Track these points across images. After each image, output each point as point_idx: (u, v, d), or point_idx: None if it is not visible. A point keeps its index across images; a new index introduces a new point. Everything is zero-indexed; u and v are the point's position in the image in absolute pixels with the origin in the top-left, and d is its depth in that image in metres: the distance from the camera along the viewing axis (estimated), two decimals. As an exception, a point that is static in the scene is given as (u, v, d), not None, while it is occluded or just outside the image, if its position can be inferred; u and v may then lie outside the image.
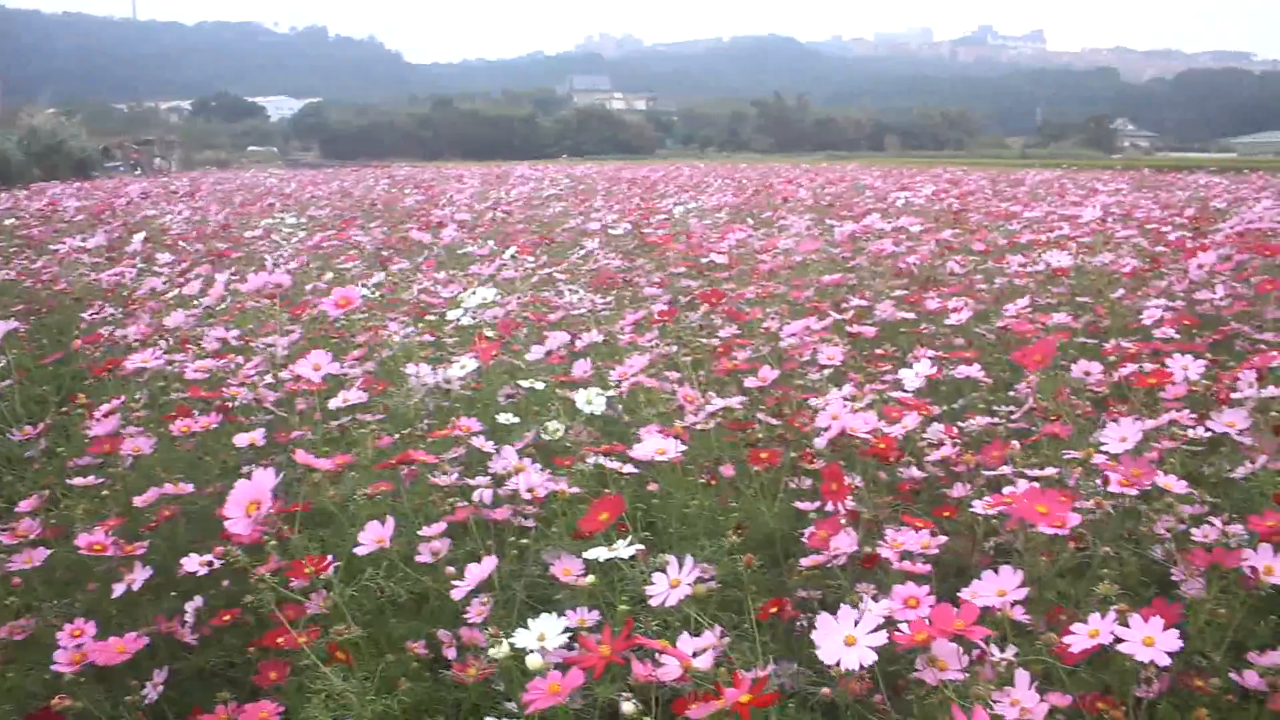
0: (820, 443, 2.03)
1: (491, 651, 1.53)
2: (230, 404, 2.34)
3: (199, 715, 1.69)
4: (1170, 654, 1.27)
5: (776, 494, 2.12)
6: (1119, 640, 1.30)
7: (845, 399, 2.14)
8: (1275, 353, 2.33)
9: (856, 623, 1.29)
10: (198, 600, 1.90)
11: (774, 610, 1.66)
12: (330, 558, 1.80)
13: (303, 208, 7.42)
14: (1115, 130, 78.50)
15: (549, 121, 78.85)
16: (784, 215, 6.25)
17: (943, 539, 1.83)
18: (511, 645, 1.48)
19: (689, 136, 79.00)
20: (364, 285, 3.30)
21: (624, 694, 1.36)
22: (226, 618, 1.87)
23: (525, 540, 1.87)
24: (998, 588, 1.54)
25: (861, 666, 1.25)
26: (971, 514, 1.90)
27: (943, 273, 4.13)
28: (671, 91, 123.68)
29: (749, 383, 2.37)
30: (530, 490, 1.89)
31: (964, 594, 1.49)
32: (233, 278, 3.32)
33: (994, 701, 1.31)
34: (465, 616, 1.75)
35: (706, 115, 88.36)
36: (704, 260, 4.24)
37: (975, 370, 2.67)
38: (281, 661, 1.73)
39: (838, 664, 1.26)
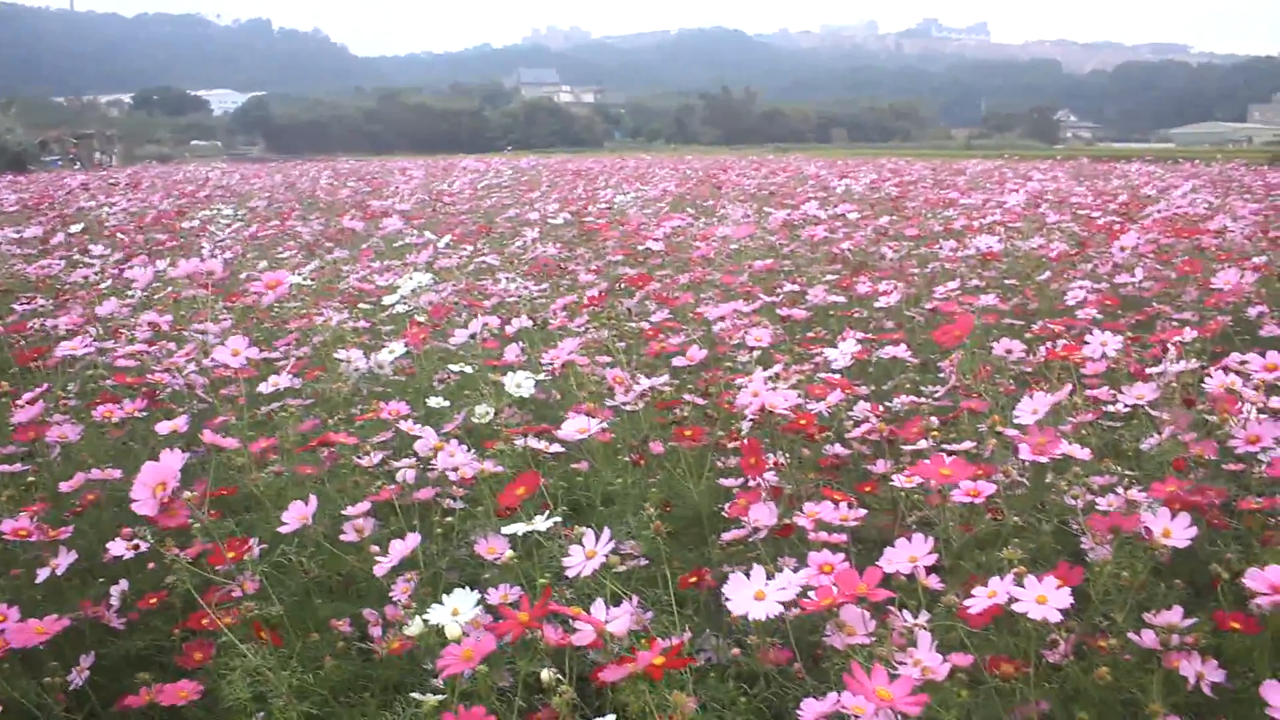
0: (745, 426, 2.07)
1: (408, 628, 1.55)
2: (157, 390, 2.34)
3: (124, 699, 1.70)
4: (1062, 611, 1.31)
5: (703, 472, 2.15)
6: (1014, 600, 1.34)
7: (769, 378, 2.17)
8: (1186, 328, 2.39)
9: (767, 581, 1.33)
10: (123, 584, 1.90)
11: (694, 580, 1.70)
12: (253, 540, 1.82)
13: (242, 200, 7.36)
14: (1058, 121, 79.47)
15: (496, 115, 78.38)
16: (724, 205, 6.29)
17: (862, 512, 1.87)
18: (425, 620, 1.50)
19: (637, 129, 78.93)
20: (298, 273, 3.29)
21: (545, 667, 1.39)
22: (153, 601, 1.87)
23: (450, 518, 1.89)
24: (909, 554, 1.58)
25: (768, 618, 1.29)
26: (893, 488, 1.94)
27: (876, 258, 4.19)
28: (619, 84, 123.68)
29: (677, 362, 2.40)
30: (455, 469, 1.91)
31: (880, 563, 1.53)
32: (167, 266, 3.30)
33: (898, 663, 1.35)
34: (391, 595, 1.77)
35: (654, 108, 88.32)
36: (641, 248, 4.26)
37: (902, 350, 2.72)
38: (206, 642, 1.73)
39: (746, 616, 1.29)
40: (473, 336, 2.41)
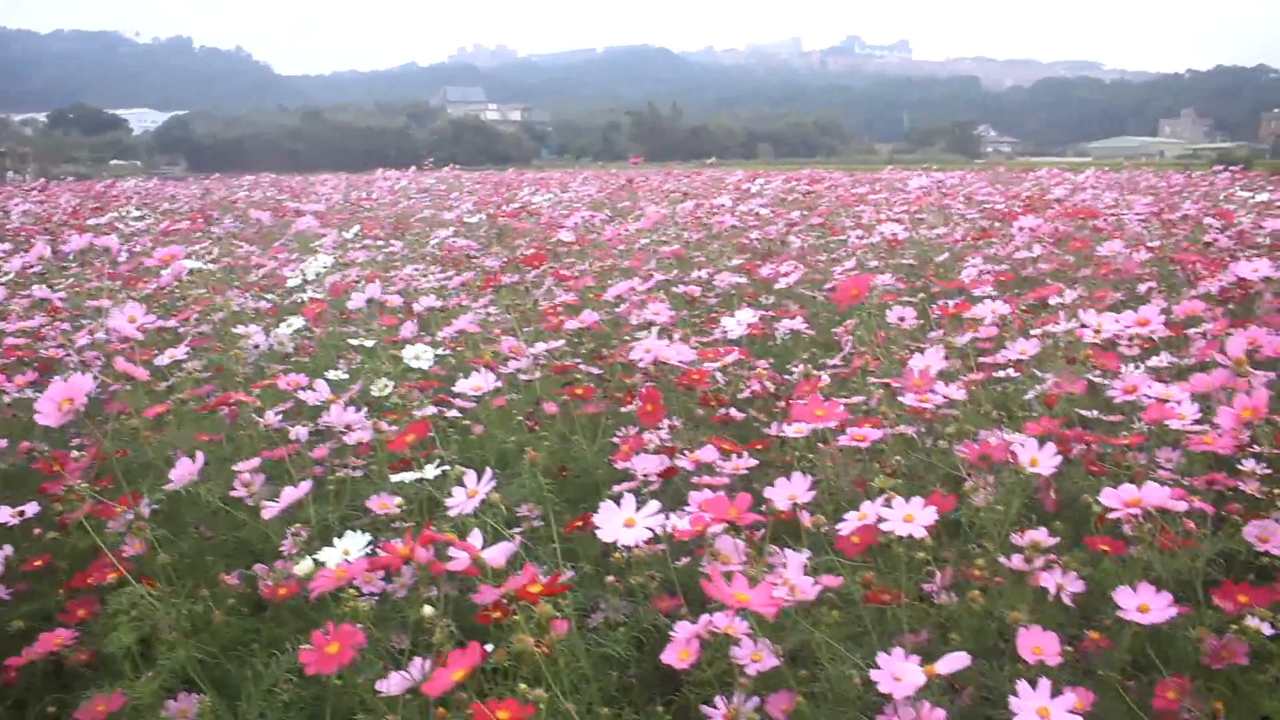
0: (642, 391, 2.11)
1: (297, 568, 1.56)
2: (47, 362, 2.32)
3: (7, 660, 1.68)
4: (926, 527, 1.36)
5: (597, 435, 2.18)
6: (882, 519, 1.39)
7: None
8: (1068, 290, 2.47)
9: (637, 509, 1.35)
10: (7, 549, 1.88)
11: (579, 524, 1.72)
12: (144, 500, 1.81)
13: (155, 205, 7.27)
14: (979, 136, 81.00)
15: (423, 133, 77.97)
16: (642, 205, 6.33)
17: (752, 461, 1.91)
18: (316, 560, 1.51)
19: (564, 146, 78.97)
20: (202, 259, 3.27)
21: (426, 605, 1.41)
22: (38, 563, 1.85)
23: (342, 472, 1.90)
24: (788, 492, 1.62)
25: (638, 544, 1.31)
26: (783, 445, 1.99)
27: (783, 247, 4.25)
28: (546, 102, 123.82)
29: (570, 324, 2.42)
30: (348, 427, 1.92)
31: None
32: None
33: (772, 584, 1.39)
34: (282, 550, 1.78)
35: (582, 125, 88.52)
36: (552, 240, 4.29)
37: (799, 323, 2.77)
38: (90, 599, 1.72)
39: (615, 543, 1.32)
40: (369, 301, 2.42)
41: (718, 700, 1.46)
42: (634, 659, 1.72)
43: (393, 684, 1.30)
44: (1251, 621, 1.42)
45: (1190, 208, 4.94)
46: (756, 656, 1.46)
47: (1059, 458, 1.53)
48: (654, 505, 1.35)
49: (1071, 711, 1.17)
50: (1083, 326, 2.04)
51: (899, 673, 1.13)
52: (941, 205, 5.12)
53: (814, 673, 1.46)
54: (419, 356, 2.44)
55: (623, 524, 1.33)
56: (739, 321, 2.53)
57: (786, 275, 3.34)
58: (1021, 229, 3.68)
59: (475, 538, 1.36)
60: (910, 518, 1.37)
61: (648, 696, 1.65)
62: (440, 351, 2.51)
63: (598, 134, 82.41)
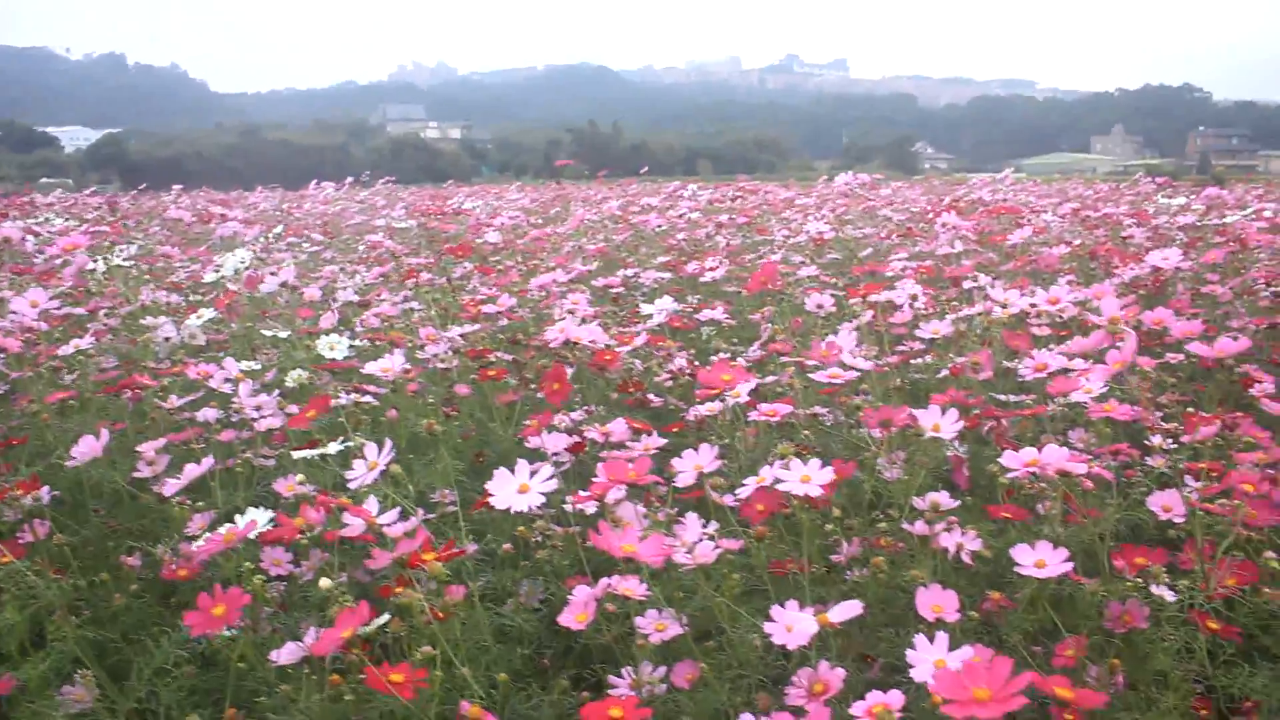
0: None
1: (196, 543, 1.53)
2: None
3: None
4: (821, 486, 1.36)
5: (513, 420, 2.17)
6: (779, 480, 1.39)
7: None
8: (981, 274, 2.50)
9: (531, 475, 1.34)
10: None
11: (484, 503, 1.70)
12: (45, 488, 1.77)
13: (80, 213, 7.12)
14: (916, 153, 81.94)
15: (362, 150, 77.31)
16: (573, 208, 6.33)
17: (662, 441, 1.90)
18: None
19: (505, 164, 78.74)
20: (115, 256, 3.21)
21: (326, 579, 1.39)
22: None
23: (247, 456, 1.87)
24: (695, 463, 1.62)
25: (530, 509, 1.30)
26: (700, 430, 1.99)
27: (710, 245, 4.27)
28: (487, 120, 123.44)
29: (488, 310, 2.41)
30: (258, 409, 1.89)
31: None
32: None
33: (663, 538, 1.39)
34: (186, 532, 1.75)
35: (522, 143, 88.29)
36: (479, 240, 4.27)
37: (719, 313, 2.78)
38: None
39: (509, 509, 1.31)
40: (283, 285, 2.39)
41: (624, 671, 1.45)
42: (548, 641, 1.71)
43: (285, 653, 1.28)
44: (1156, 590, 1.44)
45: (1110, 209, 5.03)
46: (661, 626, 1.46)
47: (961, 424, 1.55)
48: (548, 471, 1.34)
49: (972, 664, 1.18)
50: (992, 303, 2.07)
51: (791, 622, 1.13)
52: (867, 208, 5.17)
53: (718, 640, 1.45)
54: (333, 346, 2.41)
55: (517, 490, 1.32)
56: (659, 309, 2.54)
57: (712, 270, 3.35)
58: (945, 225, 3.72)
59: (371, 503, 1.35)
60: (807, 478, 1.37)
61: (558, 674, 1.64)
62: (357, 342, 2.49)
63: (539, 152, 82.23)
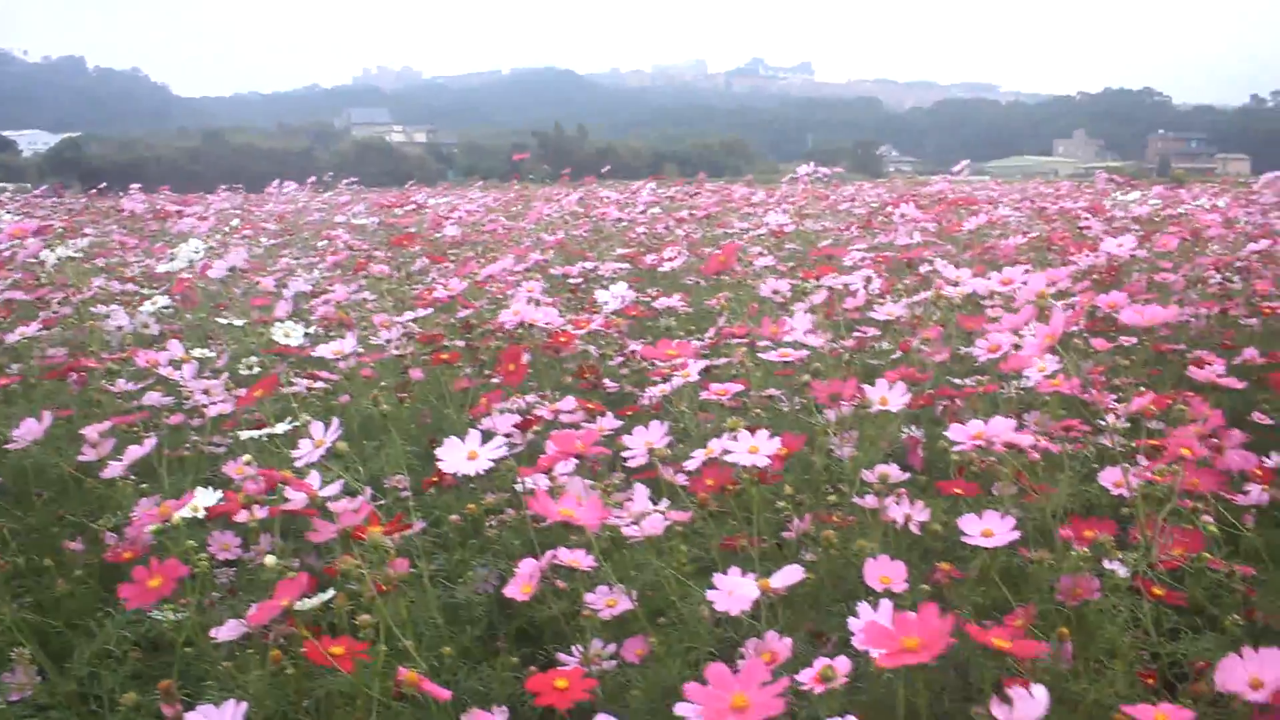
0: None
1: (149, 526, 1.51)
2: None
3: None
4: (769, 457, 1.36)
5: (465, 402, 2.15)
6: (727, 451, 1.39)
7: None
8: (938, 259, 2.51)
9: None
10: None
11: (434, 481, 1.70)
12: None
13: (31, 210, 7.05)
14: (881, 156, 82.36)
15: (326, 154, 76.83)
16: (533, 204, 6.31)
17: (618, 422, 1.90)
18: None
19: (471, 168, 78.49)
20: (69, 249, 3.17)
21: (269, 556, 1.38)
22: None
23: (197, 437, 1.85)
24: (646, 439, 1.61)
25: (478, 474, 1.30)
26: (651, 407, 1.99)
27: (669, 239, 4.27)
28: (452, 124, 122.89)
29: (439, 295, 2.40)
30: (206, 393, 1.87)
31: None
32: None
33: (619, 518, 1.38)
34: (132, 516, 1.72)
35: (488, 147, 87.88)
36: (437, 235, 4.25)
37: (676, 300, 2.78)
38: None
39: (456, 474, 1.30)
40: (231, 270, 2.37)
41: (574, 649, 1.45)
42: (501, 624, 1.70)
43: (226, 629, 1.27)
44: (1109, 565, 1.45)
45: (1068, 203, 5.07)
46: (611, 602, 1.46)
47: (908, 396, 1.55)
48: (498, 439, 1.33)
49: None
50: (944, 281, 2.08)
51: (733, 587, 1.12)
52: (829, 203, 5.19)
53: (667, 614, 1.45)
54: (288, 334, 2.39)
55: (466, 456, 1.31)
56: (614, 295, 2.53)
57: (671, 261, 3.35)
58: (904, 217, 3.74)
59: (313, 479, 1.34)
60: (755, 449, 1.37)
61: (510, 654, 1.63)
62: (311, 330, 2.47)
63: (504, 155, 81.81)
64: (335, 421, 1.49)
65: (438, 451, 1.33)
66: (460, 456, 1.31)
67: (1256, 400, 2.38)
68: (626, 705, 1.40)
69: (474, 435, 1.34)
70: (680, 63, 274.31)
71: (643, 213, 4.88)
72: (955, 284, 2.02)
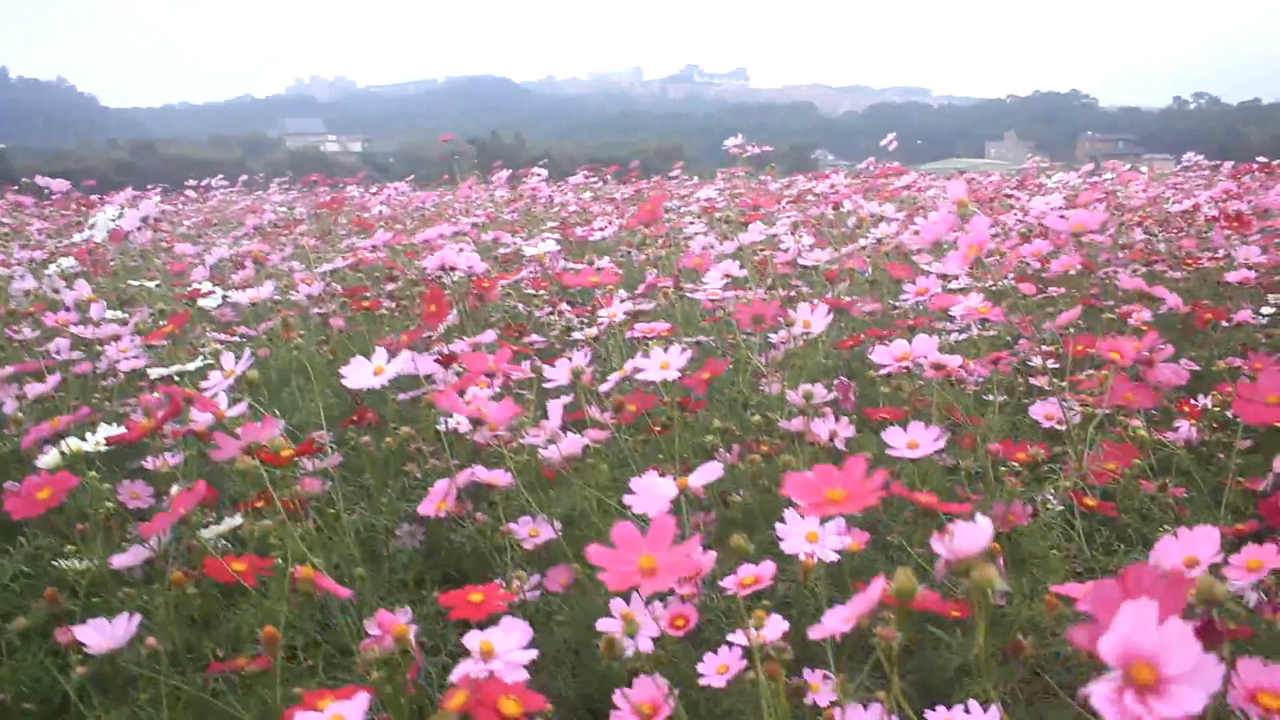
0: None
1: (41, 461, 1.45)
2: None
3: None
4: (679, 371, 1.33)
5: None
6: (638, 369, 1.36)
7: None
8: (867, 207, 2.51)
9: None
10: None
11: (353, 420, 1.65)
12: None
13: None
14: (815, 159, 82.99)
15: (260, 164, 75.85)
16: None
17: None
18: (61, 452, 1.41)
19: (406, 176, 78.06)
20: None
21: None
22: None
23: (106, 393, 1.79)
24: (569, 367, 1.58)
25: (384, 386, 1.25)
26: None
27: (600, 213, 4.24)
28: (388, 133, 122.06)
29: (362, 248, 2.35)
30: (114, 339, 1.81)
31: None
32: None
33: (535, 436, 1.35)
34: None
35: (424, 155, 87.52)
36: (366, 215, 4.19)
37: (606, 263, 2.75)
38: None
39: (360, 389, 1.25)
40: (144, 219, 2.29)
41: (497, 580, 1.41)
42: (427, 569, 1.66)
43: (126, 557, 1.21)
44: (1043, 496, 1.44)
45: (999, 183, 5.13)
46: (534, 532, 1.42)
47: (830, 316, 1.53)
48: (405, 355, 1.29)
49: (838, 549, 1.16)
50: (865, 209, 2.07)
51: (649, 488, 1.09)
52: (760, 184, 5.19)
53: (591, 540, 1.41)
54: (207, 294, 2.33)
55: (371, 373, 1.26)
56: (540, 248, 2.49)
57: (601, 230, 3.32)
58: (831, 187, 3.74)
59: (231, 407, 1.28)
60: (665, 364, 1.34)
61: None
62: (230, 294, 2.41)
63: (441, 165, 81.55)
64: (246, 353, 1.44)
65: (342, 370, 1.28)
66: (365, 373, 1.26)
67: (1182, 348, 2.41)
68: (553, 633, 1.36)
69: (380, 352, 1.29)
70: (617, 70, 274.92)
71: (574, 194, 4.85)
72: (880, 219, 2.01)
